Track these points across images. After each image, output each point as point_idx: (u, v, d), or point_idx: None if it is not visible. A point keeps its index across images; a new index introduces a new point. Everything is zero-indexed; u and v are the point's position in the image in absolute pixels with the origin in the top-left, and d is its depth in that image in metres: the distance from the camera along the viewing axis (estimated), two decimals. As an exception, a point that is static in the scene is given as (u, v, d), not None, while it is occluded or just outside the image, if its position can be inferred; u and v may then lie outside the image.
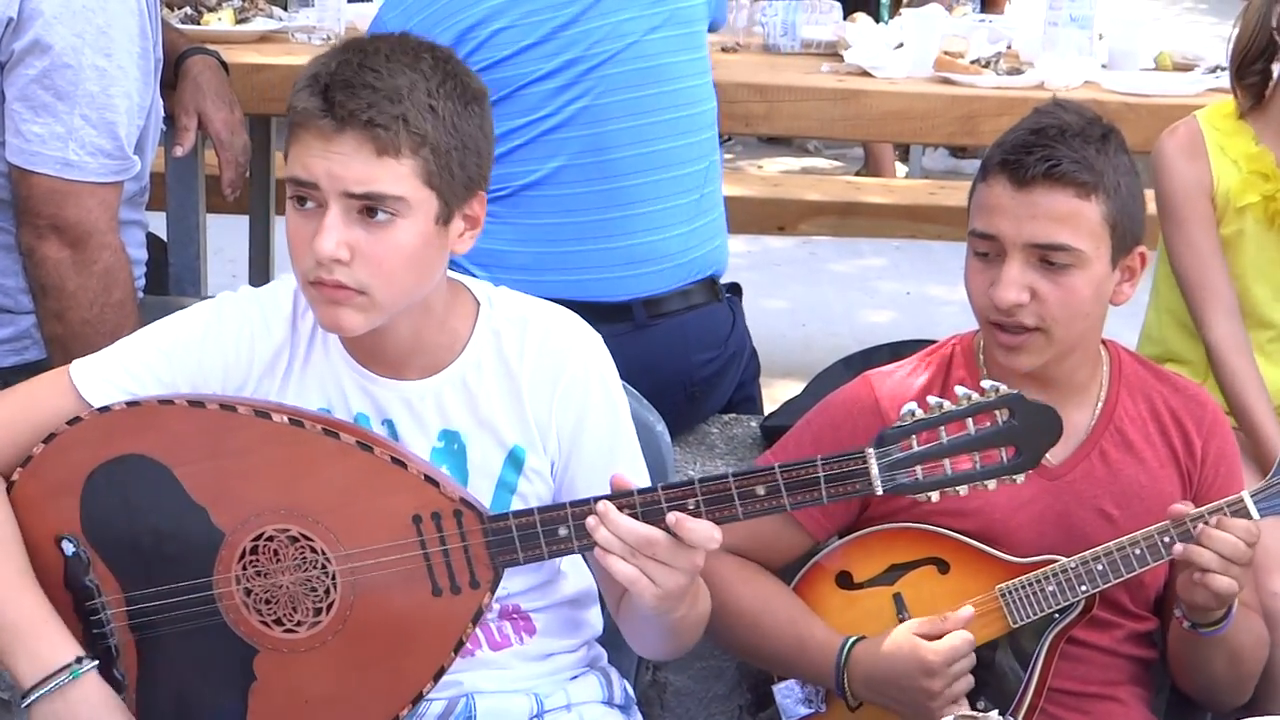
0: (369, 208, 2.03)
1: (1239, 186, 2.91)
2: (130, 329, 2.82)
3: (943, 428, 1.98)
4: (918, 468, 1.99)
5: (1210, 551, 2.23)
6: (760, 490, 2.00)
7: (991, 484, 2.00)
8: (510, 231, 3.09)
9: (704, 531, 1.99)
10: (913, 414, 1.99)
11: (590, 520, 2.00)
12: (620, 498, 2.01)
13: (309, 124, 2.03)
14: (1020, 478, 2.00)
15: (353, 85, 2.02)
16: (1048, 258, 2.31)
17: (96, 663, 2.10)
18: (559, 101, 3.09)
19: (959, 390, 2.00)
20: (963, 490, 2.00)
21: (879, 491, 1.99)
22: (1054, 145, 2.31)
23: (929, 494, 2.00)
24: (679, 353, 3.18)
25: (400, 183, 2.03)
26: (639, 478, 2.23)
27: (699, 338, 3.22)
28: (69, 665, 2.07)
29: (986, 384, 2.00)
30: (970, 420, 1.98)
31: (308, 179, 2.03)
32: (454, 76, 2.09)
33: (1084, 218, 2.31)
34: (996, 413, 1.98)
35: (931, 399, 1.99)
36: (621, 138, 3.12)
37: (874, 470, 1.99)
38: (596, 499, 2.02)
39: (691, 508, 1.99)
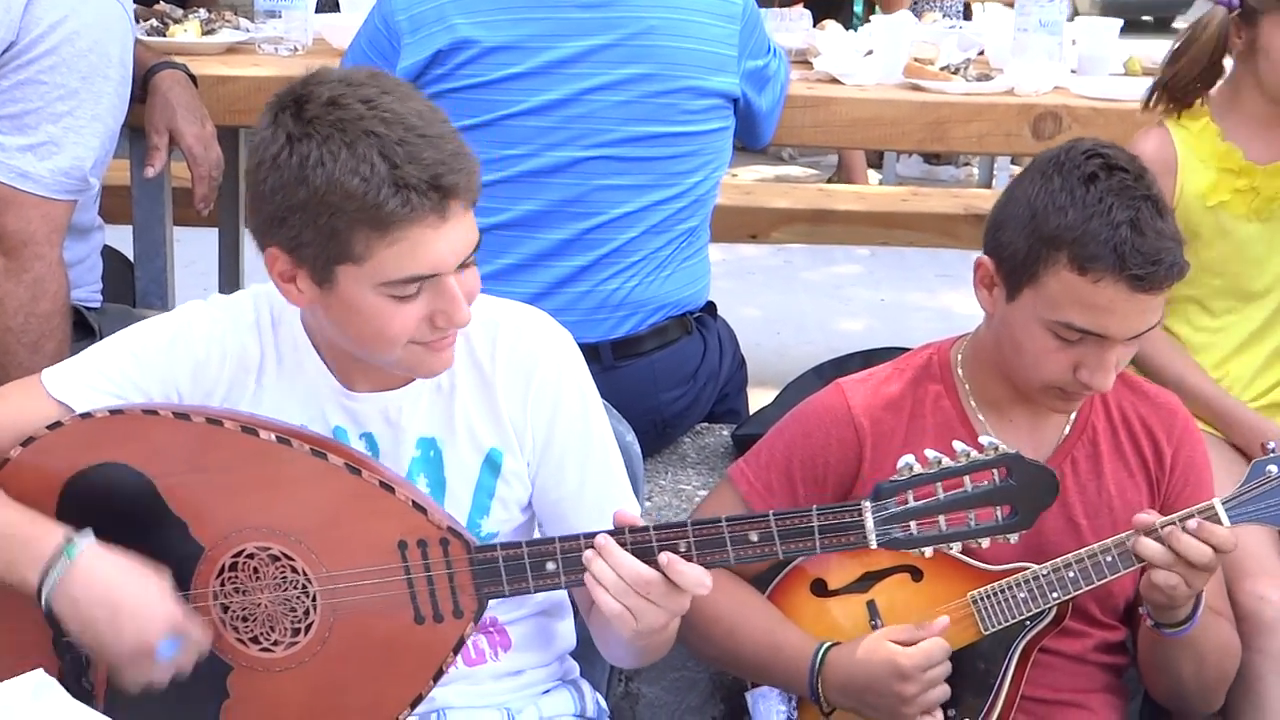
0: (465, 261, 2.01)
1: (1209, 186, 2.93)
2: (56, 342, 2.83)
3: (939, 483, 1.98)
4: (912, 523, 1.99)
5: (1173, 554, 2.22)
6: (754, 536, 2.00)
7: (985, 542, 2.01)
8: None
9: (695, 576, 1.98)
10: (910, 468, 1.99)
11: (588, 553, 1.99)
12: (612, 534, 2.00)
13: (419, 220, 1.93)
14: (1014, 537, 2.01)
15: (447, 159, 1.94)
16: (1137, 336, 2.32)
17: (90, 533, 2.03)
18: (543, 142, 2.97)
19: (957, 446, 2.00)
20: (955, 548, 2.01)
21: (873, 545, 1.99)
22: (1169, 246, 2.25)
23: (922, 550, 2.00)
24: (647, 392, 3.10)
25: (475, 228, 2.01)
26: (617, 475, 2.24)
27: (667, 375, 3.14)
28: (60, 546, 2.01)
29: (985, 440, 2.00)
30: (967, 478, 1.99)
31: (429, 271, 1.96)
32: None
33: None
34: (994, 471, 1.99)
35: (930, 453, 1.99)
36: (607, 198, 3.00)
37: (869, 523, 1.99)
38: (588, 534, 2.01)
39: (683, 550, 1.99)
